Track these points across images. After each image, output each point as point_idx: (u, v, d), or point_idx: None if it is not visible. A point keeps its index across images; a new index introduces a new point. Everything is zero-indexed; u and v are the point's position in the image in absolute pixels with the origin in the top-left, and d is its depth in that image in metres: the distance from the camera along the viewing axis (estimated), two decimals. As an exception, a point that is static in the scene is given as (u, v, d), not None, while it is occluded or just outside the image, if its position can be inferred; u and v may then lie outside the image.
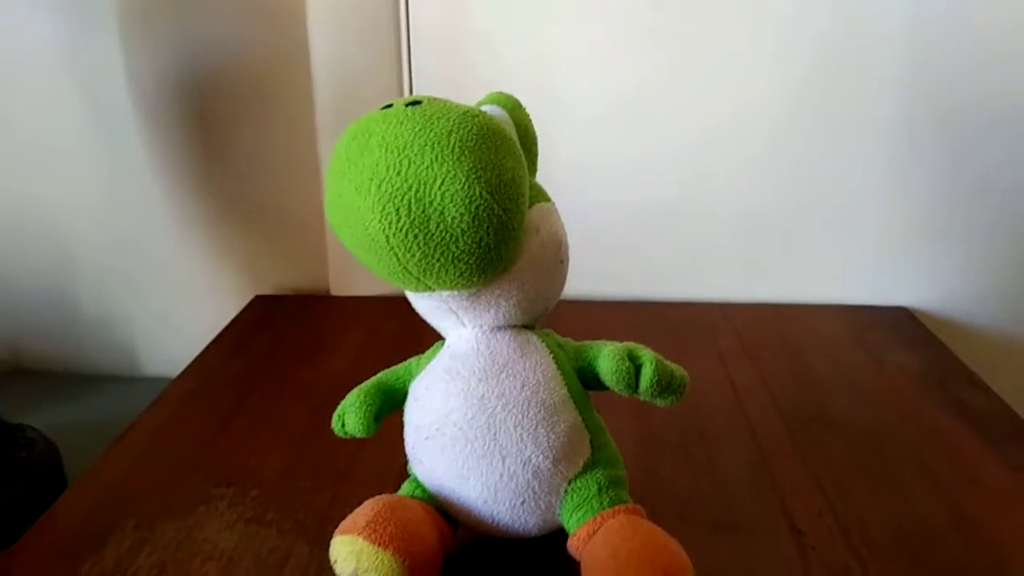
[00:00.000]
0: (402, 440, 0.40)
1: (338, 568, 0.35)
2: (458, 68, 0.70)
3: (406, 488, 0.40)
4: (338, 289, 0.79)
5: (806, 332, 0.69)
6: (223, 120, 0.74)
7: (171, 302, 0.81)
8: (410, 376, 0.40)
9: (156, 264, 0.79)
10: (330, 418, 0.41)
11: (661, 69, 0.69)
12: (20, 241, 0.79)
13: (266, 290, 0.80)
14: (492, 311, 0.37)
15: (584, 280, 0.74)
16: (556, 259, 0.37)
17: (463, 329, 0.38)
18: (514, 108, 0.38)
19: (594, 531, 0.36)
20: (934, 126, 0.68)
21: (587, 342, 0.39)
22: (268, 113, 0.73)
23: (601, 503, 0.37)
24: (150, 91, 0.72)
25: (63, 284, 0.81)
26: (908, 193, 0.71)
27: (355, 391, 0.40)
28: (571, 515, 0.37)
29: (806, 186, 0.71)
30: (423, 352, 0.41)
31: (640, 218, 0.74)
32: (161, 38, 0.71)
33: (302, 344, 0.68)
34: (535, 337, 0.38)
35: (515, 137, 0.35)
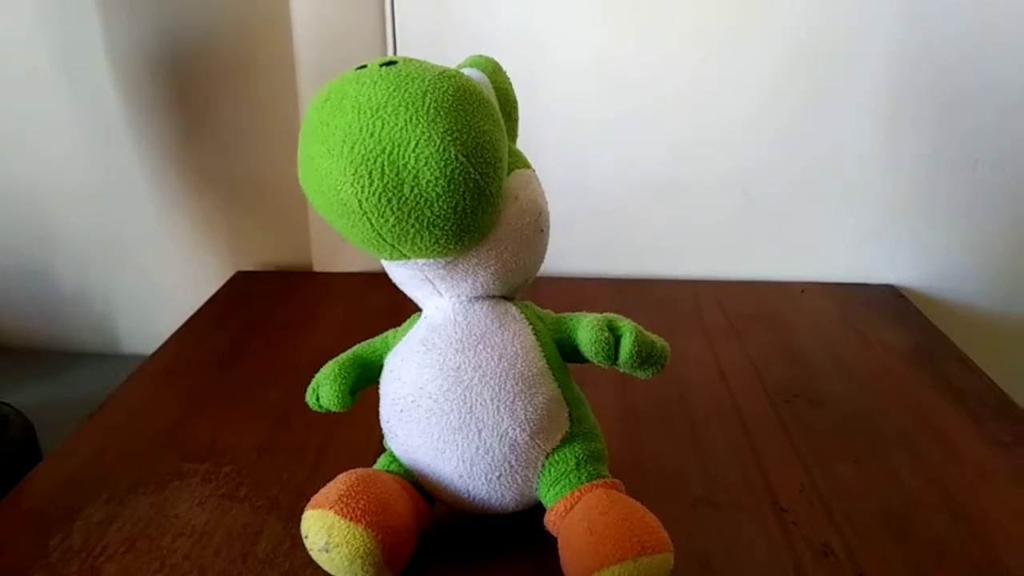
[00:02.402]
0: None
1: (309, 543, 0.34)
2: (444, 35, 0.68)
3: (382, 463, 0.39)
4: (321, 265, 0.78)
5: (792, 309, 0.68)
6: (203, 93, 0.72)
7: (152, 278, 0.79)
8: (387, 348, 0.39)
9: (137, 240, 0.78)
10: (308, 394, 0.40)
11: (650, 41, 0.67)
12: (-1, 217, 0.78)
13: (248, 266, 0.79)
14: (469, 280, 0.36)
15: (568, 256, 0.74)
16: (536, 228, 0.36)
17: (440, 299, 0.37)
18: (494, 72, 0.37)
19: (571, 506, 0.36)
20: (922, 103, 0.67)
21: (567, 313, 0.38)
22: (249, 85, 0.72)
23: (579, 478, 0.36)
24: (129, 64, 0.70)
25: (43, 260, 0.80)
26: (895, 170, 0.70)
27: (330, 364, 0.39)
28: (548, 490, 0.37)
29: (793, 163, 0.70)
30: (403, 327, 0.40)
31: (626, 195, 0.73)
32: (140, 10, 0.69)
33: (283, 320, 0.67)
34: (513, 308, 0.37)
35: (494, 100, 0.34)
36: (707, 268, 0.75)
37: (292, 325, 0.66)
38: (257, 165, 0.74)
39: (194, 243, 0.78)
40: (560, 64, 0.69)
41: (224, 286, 0.74)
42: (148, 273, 0.79)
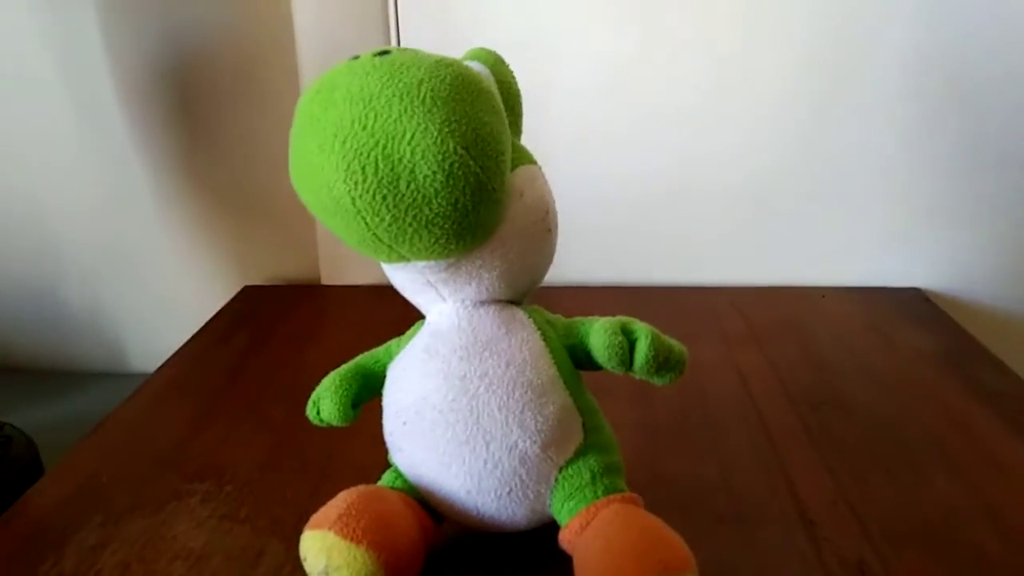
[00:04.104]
0: (387, 431, 0.37)
1: (308, 566, 0.32)
2: (449, 46, 0.67)
3: (386, 479, 0.37)
4: (329, 278, 0.76)
5: (815, 315, 0.66)
6: (208, 106, 0.71)
7: (160, 295, 0.78)
8: (389, 358, 0.37)
9: (143, 256, 0.77)
10: (315, 410, 0.38)
11: (662, 43, 0.66)
12: (3, 234, 0.76)
13: (256, 280, 0.78)
14: (473, 284, 0.34)
15: (582, 264, 0.72)
16: (543, 227, 0.35)
17: (443, 304, 0.35)
18: (495, 64, 0.35)
19: (587, 522, 0.33)
20: (948, 102, 0.65)
21: (578, 318, 0.36)
22: (254, 97, 0.70)
23: (595, 492, 0.34)
24: (133, 76, 0.69)
25: (49, 278, 0.79)
26: (921, 171, 0.68)
27: (331, 375, 0.38)
28: (562, 505, 0.34)
29: (815, 165, 0.68)
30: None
31: (641, 199, 0.71)
32: (143, 21, 0.68)
33: (290, 334, 0.65)
34: (521, 313, 0.35)
35: (495, 91, 0.32)
36: (725, 274, 0.73)
37: (300, 339, 0.64)
38: (263, 178, 0.73)
39: (201, 258, 0.77)
40: (570, 71, 0.67)
41: (231, 301, 0.73)
42: (156, 290, 0.78)
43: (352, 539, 0.31)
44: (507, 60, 0.36)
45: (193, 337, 0.65)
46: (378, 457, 0.40)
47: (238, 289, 0.76)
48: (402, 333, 0.39)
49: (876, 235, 0.70)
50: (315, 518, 0.33)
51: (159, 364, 0.61)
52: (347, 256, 0.74)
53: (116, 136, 0.71)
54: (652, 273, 0.73)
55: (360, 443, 0.45)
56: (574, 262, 0.71)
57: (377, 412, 0.37)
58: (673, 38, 0.66)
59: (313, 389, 0.38)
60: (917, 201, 0.69)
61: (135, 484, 0.45)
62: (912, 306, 0.68)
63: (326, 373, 0.38)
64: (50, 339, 0.81)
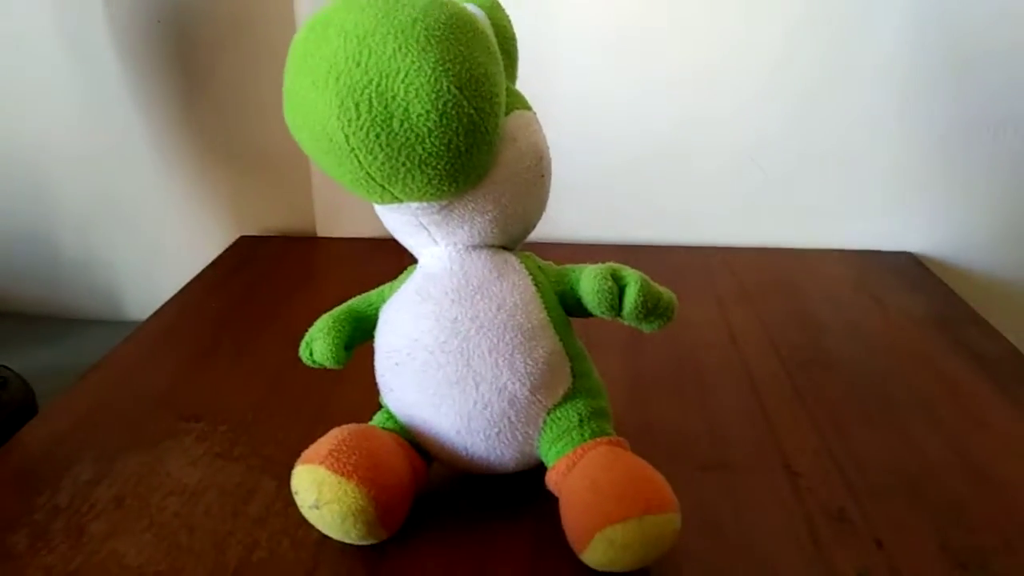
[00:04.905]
0: (380, 374, 0.37)
1: (299, 499, 0.33)
2: None
3: (377, 419, 0.38)
4: (325, 230, 0.76)
5: (806, 276, 0.66)
6: (204, 56, 0.70)
7: (155, 244, 0.78)
8: (382, 301, 0.38)
9: (139, 205, 0.76)
10: (308, 355, 0.38)
11: (659, 6, 0.65)
12: (-1, 182, 0.76)
13: (252, 231, 0.78)
14: (466, 227, 0.34)
15: (576, 220, 0.72)
16: (536, 172, 0.35)
17: (435, 247, 0.35)
18: (492, 7, 0.35)
19: (574, 464, 0.34)
20: (940, 66, 0.65)
21: (569, 266, 0.36)
22: (250, 47, 0.70)
23: (582, 435, 0.35)
24: (129, 24, 0.69)
25: (44, 226, 0.78)
26: (913, 135, 0.67)
27: (324, 317, 0.38)
28: (550, 447, 0.35)
29: (808, 128, 0.68)
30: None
31: (637, 160, 0.70)
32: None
33: (284, 284, 0.65)
34: (513, 258, 0.36)
35: (491, 33, 0.32)
36: (720, 235, 0.73)
37: (294, 289, 0.64)
38: (260, 128, 0.73)
39: (197, 208, 0.77)
40: (570, 31, 0.67)
41: (226, 250, 0.73)
42: (151, 239, 0.78)
43: (343, 474, 0.32)
44: (512, 10, 0.36)
45: (188, 285, 0.65)
46: (371, 400, 0.40)
47: (234, 239, 0.76)
48: (395, 283, 0.39)
49: (870, 199, 0.70)
50: (306, 453, 0.34)
51: (154, 312, 0.61)
52: (342, 208, 0.74)
53: (112, 84, 0.71)
54: (646, 231, 0.73)
55: (353, 386, 0.46)
56: (569, 218, 0.71)
57: (370, 357, 0.38)
58: (669, 3, 0.65)
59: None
60: (911, 165, 0.68)
61: (129, 423, 0.45)
62: (904, 270, 0.68)
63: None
64: (45, 286, 0.80)
